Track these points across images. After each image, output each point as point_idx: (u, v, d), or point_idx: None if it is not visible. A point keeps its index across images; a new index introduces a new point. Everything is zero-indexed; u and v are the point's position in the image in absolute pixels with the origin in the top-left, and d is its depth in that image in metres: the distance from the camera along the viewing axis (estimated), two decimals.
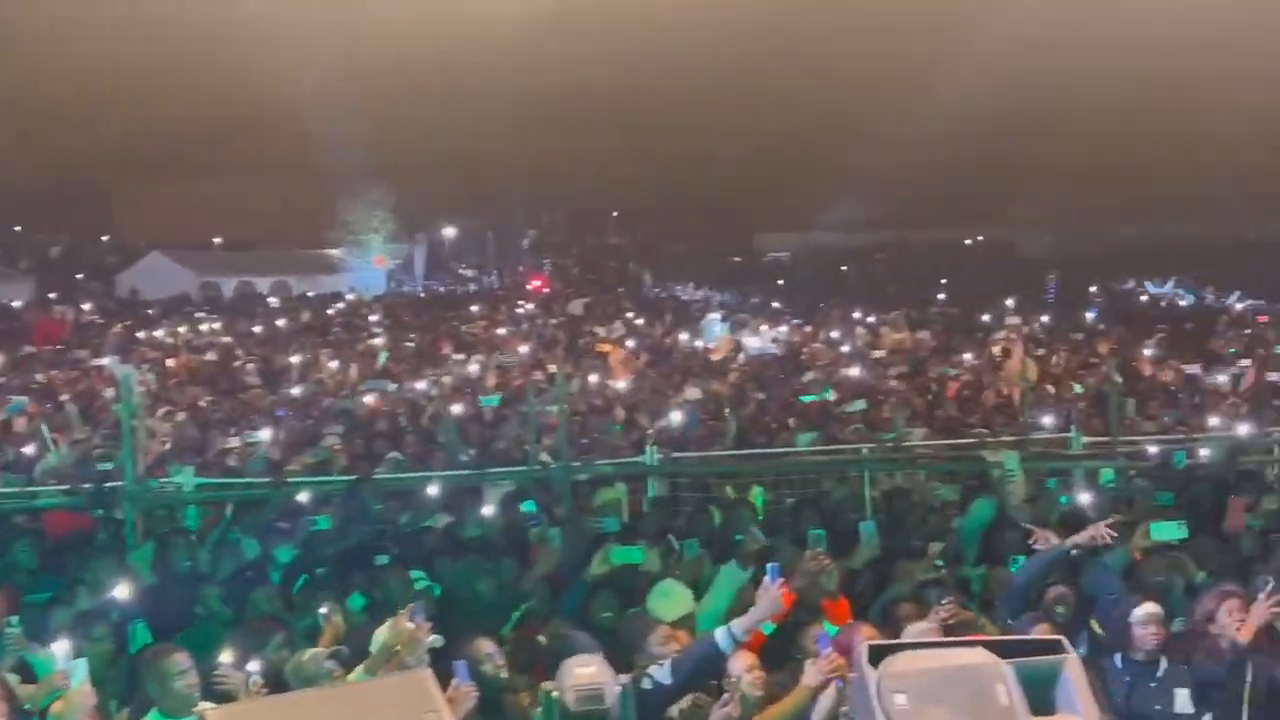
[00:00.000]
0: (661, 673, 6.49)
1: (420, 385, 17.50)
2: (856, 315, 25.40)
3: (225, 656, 6.80)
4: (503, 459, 13.07)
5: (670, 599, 8.09)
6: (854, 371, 17.32)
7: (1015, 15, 40.61)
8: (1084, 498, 10.90)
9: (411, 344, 22.87)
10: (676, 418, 14.19)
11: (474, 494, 11.51)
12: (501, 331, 21.97)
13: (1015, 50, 42.48)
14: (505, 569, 9.15)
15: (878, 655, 5.84)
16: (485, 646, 7.02)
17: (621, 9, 43.18)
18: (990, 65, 42.87)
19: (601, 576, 8.56)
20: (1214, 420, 13.41)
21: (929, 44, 44.15)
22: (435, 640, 6.76)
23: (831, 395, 15.75)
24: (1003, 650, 5.82)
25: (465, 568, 8.97)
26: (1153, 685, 7.29)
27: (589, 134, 49.80)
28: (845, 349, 20.03)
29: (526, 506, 10.36)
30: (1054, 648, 5.89)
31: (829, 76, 46.03)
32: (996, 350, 18.49)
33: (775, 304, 30.15)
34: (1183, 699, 7.24)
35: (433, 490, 11.41)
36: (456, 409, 15.35)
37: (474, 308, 31.54)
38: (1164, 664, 7.37)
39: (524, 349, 20.64)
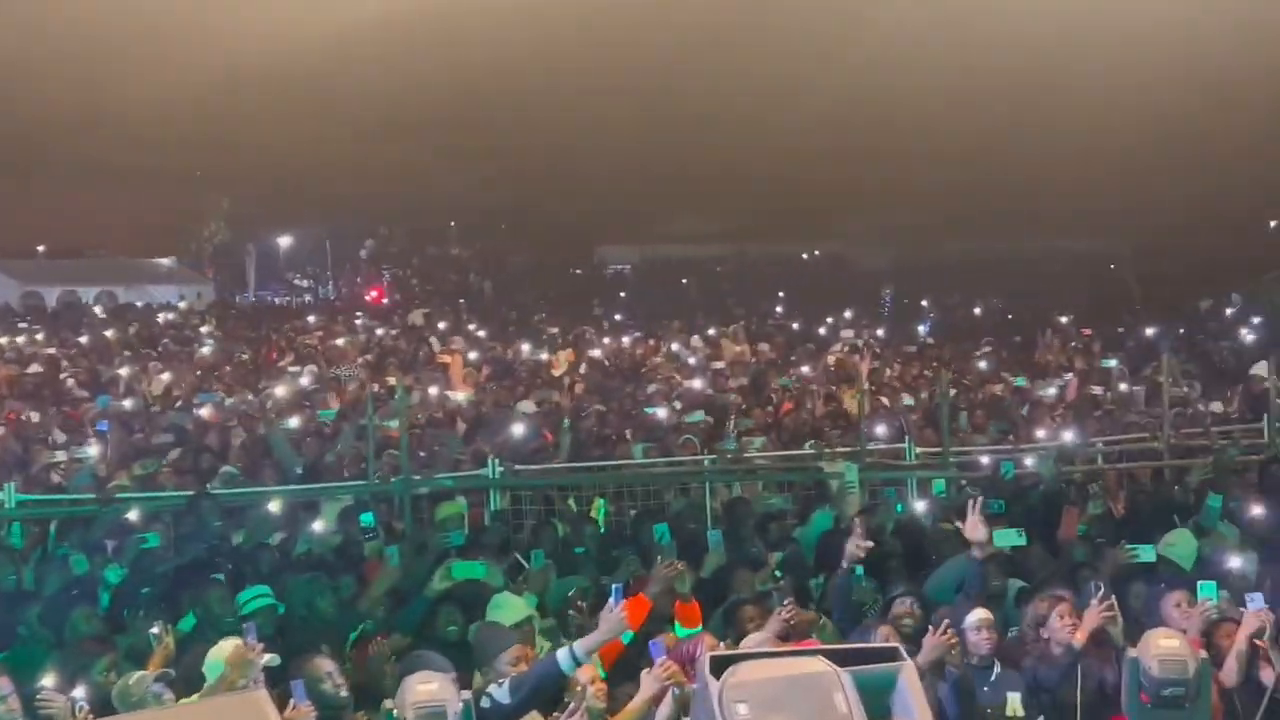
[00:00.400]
0: (500, 692, 6.45)
1: (254, 397, 17.10)
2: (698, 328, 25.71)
3: (48, 680, 6.55)
4: (339, 473, 12.84)
5: (506, 609, 8.05)
6: (695, 384, 17.44)
7: (848, 36, 41.50)
8: (918, 506, 11.19)
9: (245, 355, 22.35)
10: (518, 430, 14.11)
11: (310, 509, 11.30)
12: (339, 343, 21.56)
13: (847, 69, 43.41)
14: (345, 586, 8.99)
15: (720, 666, 5.90)
16: (324, 665, 6.88)
17: (459, 19, 42.93)
18: (823, 83, 43.72)
19: (443, 591, 8.46)
20: (1040, 432, 13.82)
21: (765, 61, 44.83)
22: (271, 659, 6.61)
23: (678, 406, 15.86)
24: (841, 658, 5.94)
25: (303, 585, 8.78)
26: (985, 689, 7.45)
27: (428, 143, 49.39)
28: (690, 361, 20.21)
29: (365, 520, 10.18)
30: (891, 655, 6.02)
31: (667, 90, 46.41)
32: (832, 361, 18.84)
33: (618, 316, 30.23)
34: (1014, 702, 7.42)
35: (273, 506, 11.14)
36: (294, 422, 15.05)
37: (310, 318, 30.93)
38: (997, 668, 7.54)
39: (362, 360, 20.32)
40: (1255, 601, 7.35)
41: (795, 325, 28.33)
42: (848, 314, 29.32)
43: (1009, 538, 8.58)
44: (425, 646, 7.44)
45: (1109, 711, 7.37)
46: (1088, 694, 7.46)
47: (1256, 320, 27.23)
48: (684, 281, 43.23)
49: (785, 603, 7.56)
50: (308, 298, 46.70)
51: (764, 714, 5.61)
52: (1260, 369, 16.32)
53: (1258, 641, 7.33)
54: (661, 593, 7.91)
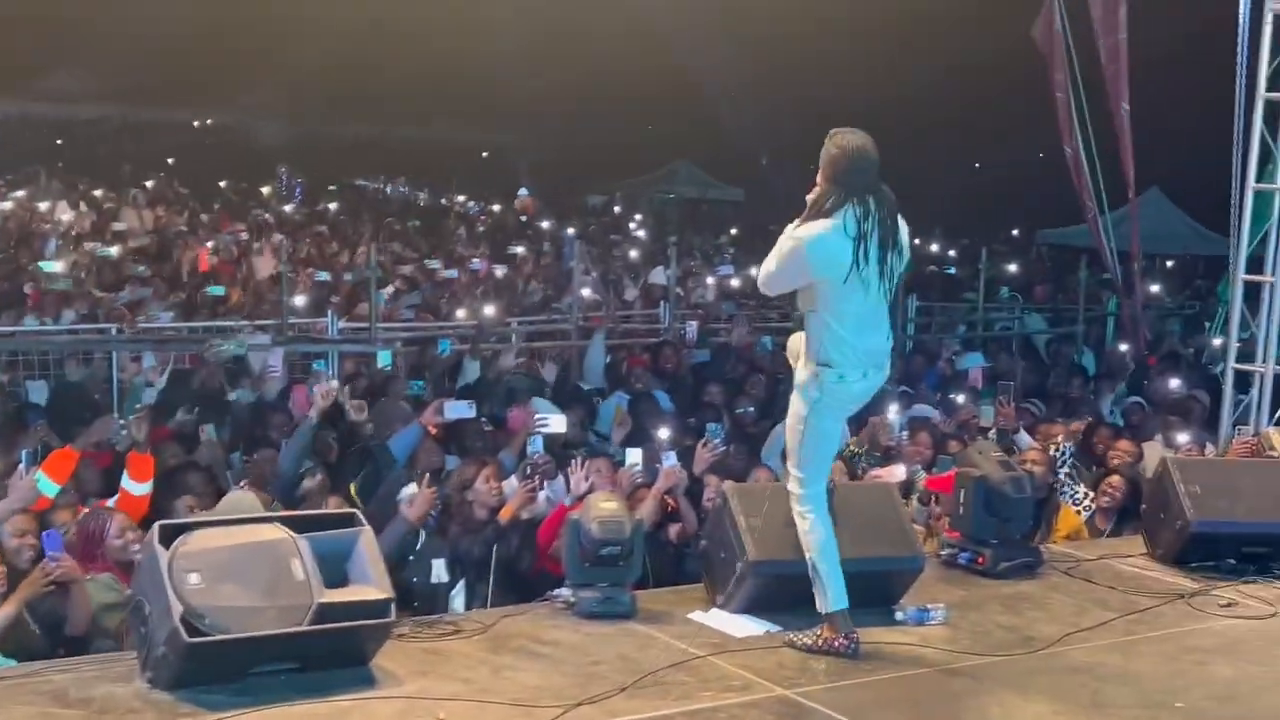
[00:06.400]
0: None
1: None
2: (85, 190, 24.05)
3: None
4: None
5: None
6: (98, 249, 16.25)
7: None
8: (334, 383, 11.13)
9: None
10: None
11: None
12: None
13: None
14: None
15: (169, 535, 5.63)
16: None
17: None
18: None
19: None
20: (460, 312, 14.13)
21: None
22: None
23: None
24: (299, 525, 5.85)
25: None
26: (411, 558, 7.57)
27: None
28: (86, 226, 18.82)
29: None
30: (348, 521, 6.01)
31: None
32: (244, 236, 18.26)
33: None
34: (439, 568, 7.59)
35: None
36: None
37: None
38: (422, 536, 7.67)
39: None
40: (669, 459, 7.98)
41: (190, 193, 27.09)
42: (265, 190, 28.49)
43: (459, 410, 8.74)
44: None
45: (524, 571, 7.73)
46: (501, 557, 7.77)
47: (639, 217, 29.33)
48: (59, 142, 39.90)
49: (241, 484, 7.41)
50: None
51: (216, 583, 5.44)
52: (658, 275, 17.52)
53: (668, 498, 7.98)
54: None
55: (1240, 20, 10.77)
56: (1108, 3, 14.53)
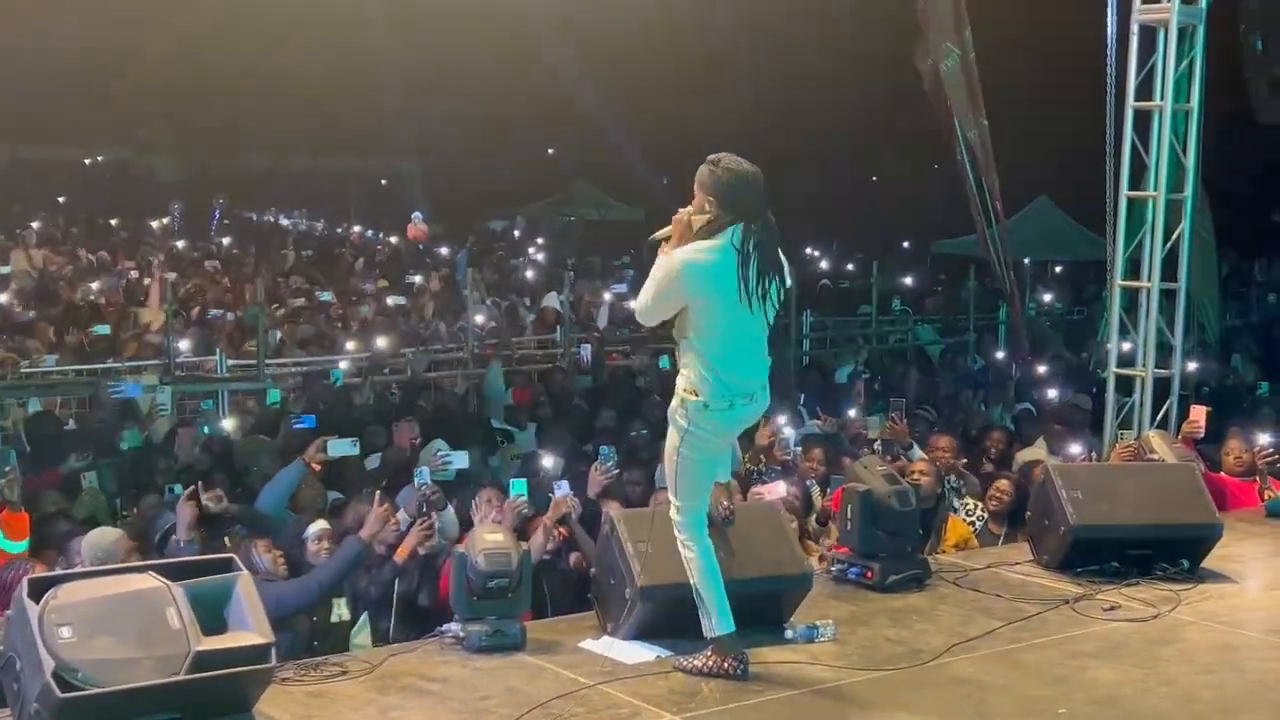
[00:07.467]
0: None
1: None
2: None
3: None
4: None
5: None
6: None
7: None
8: (228, 424, 10.96)
9: None
10: None
11: None
12: None
13: None
14: None
15: (39, 589, 5.48)
16: None
17: None
18: None
19: None
20: (350, 344, 13.97)
21: None
22: None
23: None
24: (174, 573, 5.72)
25: None
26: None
27: None
28: None
29: None
30: (226, 567, 5.90)
31: None
32: (134, 274, 17.90)
33: None
34: (340, 607, 7.52)
35: None
36: None
37: None
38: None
39: None
40: (561, 488, 7.96)
41: (80, 234, 26.55)
42: (155, 224, 27.97)
43: (343, 447, 8.63)
44: None
45: (426, 605, 7.68)
46: (402, 596, 7.71)
47: (541, 240, 29.26)
48: None
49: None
50: None
51: (90, 635, 5.30)
52: (551, 300, 17.49)
53: (559, 529, 7.95)
54: None
55: (1108, 31, 11.02)
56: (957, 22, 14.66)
